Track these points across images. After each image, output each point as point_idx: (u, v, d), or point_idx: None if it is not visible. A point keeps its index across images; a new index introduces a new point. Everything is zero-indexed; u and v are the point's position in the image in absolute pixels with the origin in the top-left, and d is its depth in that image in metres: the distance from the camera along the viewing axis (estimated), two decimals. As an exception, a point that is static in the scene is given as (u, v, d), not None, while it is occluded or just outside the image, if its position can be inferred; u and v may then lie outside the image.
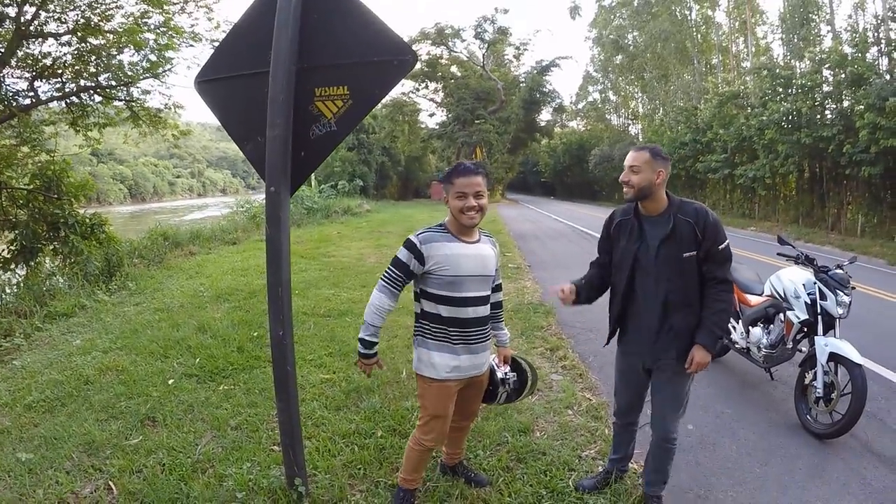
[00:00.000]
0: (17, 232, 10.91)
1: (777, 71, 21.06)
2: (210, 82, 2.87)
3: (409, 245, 2.55)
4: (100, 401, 4.32)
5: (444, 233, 2.60)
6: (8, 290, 8.99)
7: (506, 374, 2.96)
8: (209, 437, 3.74)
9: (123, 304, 7.54)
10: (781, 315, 4.41)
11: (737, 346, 4.83)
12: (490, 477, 3.22)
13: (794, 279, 4.31)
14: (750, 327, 4.65)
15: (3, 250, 11.17)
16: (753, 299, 4.77)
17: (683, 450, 3.66)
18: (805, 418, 3.95)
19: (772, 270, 4.76)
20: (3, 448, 3.67)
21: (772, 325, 4.54)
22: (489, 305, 2.74)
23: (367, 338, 2.64)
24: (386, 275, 2.59)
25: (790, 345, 4.34)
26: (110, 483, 3.23)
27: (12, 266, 10.97)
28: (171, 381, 4.69)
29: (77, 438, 3.73)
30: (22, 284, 9.24)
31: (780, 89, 20.53)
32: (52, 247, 11.00)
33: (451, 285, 2.56)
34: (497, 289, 2.89)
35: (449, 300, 2.59)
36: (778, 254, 4.80)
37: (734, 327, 4.89)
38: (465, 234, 2.62)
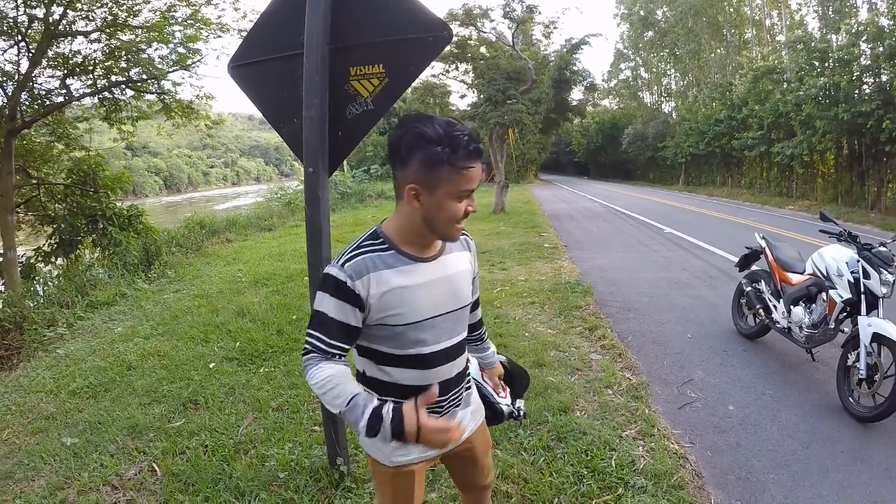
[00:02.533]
0: (56, 226, 11.25)
1: (813, 45, 20.38)
2: (244, 66, 2.88)
3: (335, 286, 1.46)
4: (142, 385, 4.43)
5: (385, 250, 1.51)
6: (50, 283, 9.27)
7: (513, 403, 2.10)
8: (251, 419, 3.80)
9: (163, 292, 7.71)
10: (824, 294, 4.28)
11: (778, 325, 4.72)
12: (531, 456, 3.21)
13: (836, 257, 4.17)
14: (791, 306, 4.53)
15: (44, 244, 11.52)
16: (795, 278, 4.65)
17: (724, 431, 3.62)
18: (847, 401, 3.82)
19: (811, 250, 4.62)
20: (49, 433, 3.79)
21: (814, 305, 4.42)
22: (465, 347, 1.77)
23: (364, 420, 1.39)
24: (309, 345, 1.50)
25: (832, 325, 4.20)
26: (154, 465, 3.31)
27: (53, 259, 11.31)
28: (212, 365, 4.78)
29: (121, 422, 3.82)
30: (63, 276, 9.50)
31: (817, 63, 19.86)
32: (91, 239, 11.34)
33: (404, 338, 1.54)
34: (476, 301, 1.90)
35: (404, 360, 1.58)
36: (820, 230, 4.67)
37: (775, 306, 4.78)
38: (424, 248, 1.57)
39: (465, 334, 1.71)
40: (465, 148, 1.39)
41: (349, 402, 1.40)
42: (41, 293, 8.26)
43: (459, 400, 1.75)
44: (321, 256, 2.61)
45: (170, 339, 5.50)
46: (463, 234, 1.72)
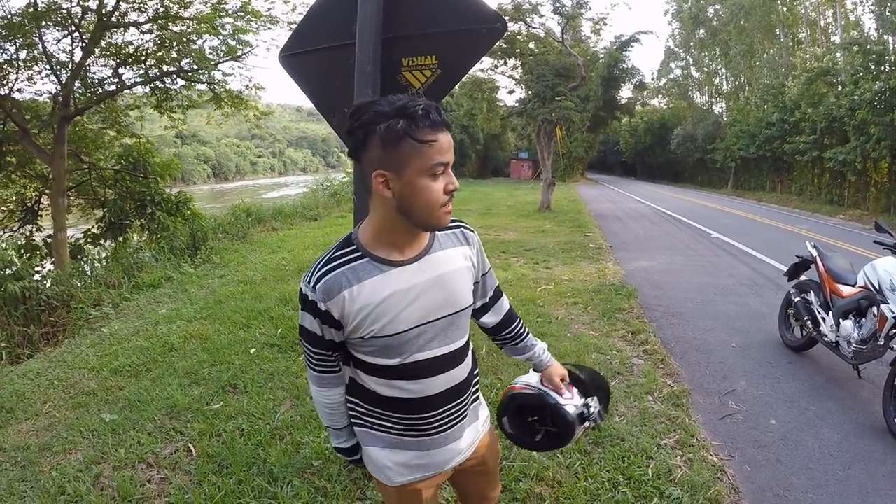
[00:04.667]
0: (105, 209, 11.62)
1: (868, 46, 19.62)
2: (295, 56, 2.90)
3: (307, 303, 1.39)
4: (183, 367, 4.51)
5: (358, 259, 1.38)
6: (97, 264, 9.57)
7: (584, 403, 1.77)
8: (288, 406, 3.83)
9: (208, 277, 7.87)
10: (874, 308, 4.08)
11: (825, 339, 4.54)
12: (567, 460, 3.16)
13: (890, 270, 3.97)
14: (840, 320, 4.34)
15: (94, 226, 11.92)
16: (846, 290, 4.46)
17: (764, 445, 3.51)
18: (892, 422, 3.65)
19: (864, 262, 4.44)
20: (88, 409, 3.89)
21: (863, 319, 4.22)
22: (471, 357, 1.60)
23: (340, 445, 1.61)
24: (306, 355, 1.50)
25: (882, 341, 3.98)
26: (190, 445, 3.36)
27: (102, 241, 11.70)
28: (252, 350, 4.84)
29: (160, 402, 3.90)
30: (111, 258, 9.80)
31: (872, 66, 19.12)
32: (139, 223, 11.71)
33: (389, 350, 1.41)
34: (495, 297, 1.73)
35: (390, 372, 1.45)
36: (874, 241, 4.50)
37: (824, 319, 4.61)
38: (404, 248, 1.41)
39: (463, 341, 1.53)
40: (424, 118, 1.24)
41: (340, 430, 1.60)
42: (89, 273, 8.52)
43: (465, 414, 1.58)
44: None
45: (212, 323, 5.60)
46: (462, 227, 1.56)
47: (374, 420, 1.52)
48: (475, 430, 1.65)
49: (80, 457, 3.27)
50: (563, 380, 1.80)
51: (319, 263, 1.39)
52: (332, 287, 1.35)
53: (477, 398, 1.67)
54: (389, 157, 1.27)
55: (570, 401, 1.74)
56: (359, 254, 1.38)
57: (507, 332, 1.77)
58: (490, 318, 1.73)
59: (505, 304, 1.76)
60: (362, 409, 1.53)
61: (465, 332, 1.55)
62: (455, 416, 1.54)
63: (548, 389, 1.76)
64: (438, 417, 1.50)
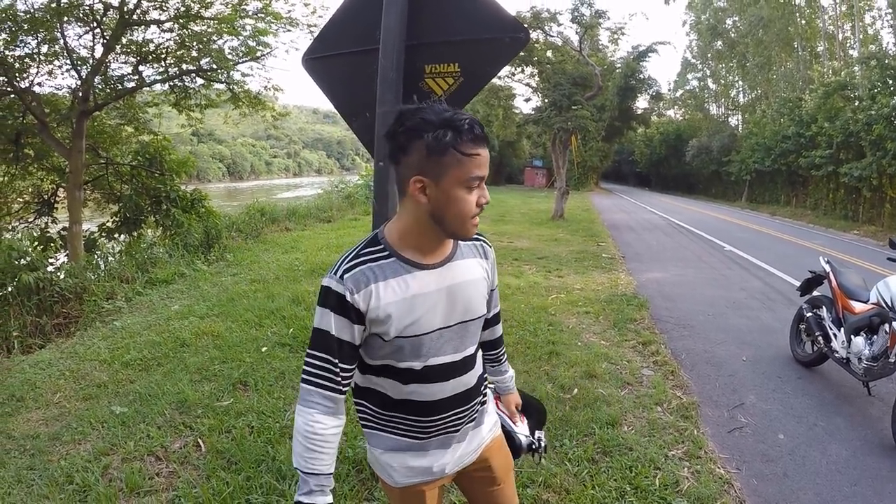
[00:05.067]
0: (121, 204, 11.73)
1: (886, 61, 19.47)
2: (318, 59, 2.93)
3: (332, 298, 1.36)
4: (194, 363, 4.55)
5: (385, 258, 1.39)
6: (111, 258, 9.66)
7: (533, 434, 1.90)
8: (298, 405, 3.86)
9: (221, 274, 7.93)
10: (887, 325, 4.06)
11: (836, 355, 4.51)
12: (574, 468, 3.17)
13: None
14: (852, 336, 4.31)
15: (109, 221, 12.04)
16: (858, 306, 4.43)
17: (771, 459, 3.50)
18: None
19: (877, 279, 4.41)
20: (99, 401, 3.95)
21: (875, 336, 4.19)
22: (480, 363, 1.64)
23: (304, 500, 1.36)
24: (309, 371, 1.39)
25: (893, 359, 3.96)
26: (199, 440, 3.40)
27: (117, 235, 11.82)
28: (263, 349, 4.88)
29: (170, 397, 3.94)
30: (125, 252, 9.89)
31: (890, 81, 18.97)
32: (153, 219, 11.82)
33: (403, 351, 1.42)
34: (495, 317, 1.80)
35: (403, 374, 1.45)
36: (888, 258, 4.49)
37: (835, 335, 4.58)
38: (429, 253, 1.44)
39: (474, 348, 1.56)
40: (469, 131, 1.28)
41: (308, 475, 1.37)
42: (102, 267, 8.59)
43: (472, 418, 1.61)
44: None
45: (224, 320, 5.65)
46: (482, 241, 1.60)
47: (382, 422, 1.52)
48: (480, 435, 1.66)
49: (90, 447, 3.32)
50: (517, 406, 1.92)
51: (346, 258, 1.40)
52: (361, 280, 1.35)
53: (485, 402, 1.68)
54: (431, 164, 1.30)
55: (522, 431, 1.87)
56: (386, 253, 1.40)
57: (493, 352, 1.85)
58: (485, 335, 1.76)
59: (500, 325, 1.84)
60: (371, 412, 1.53)
61: (476, 340, 1.58)
62: (461, 419, 1.56)
63: (504, 415, 1.87)
64: (445, 421, 1.52)
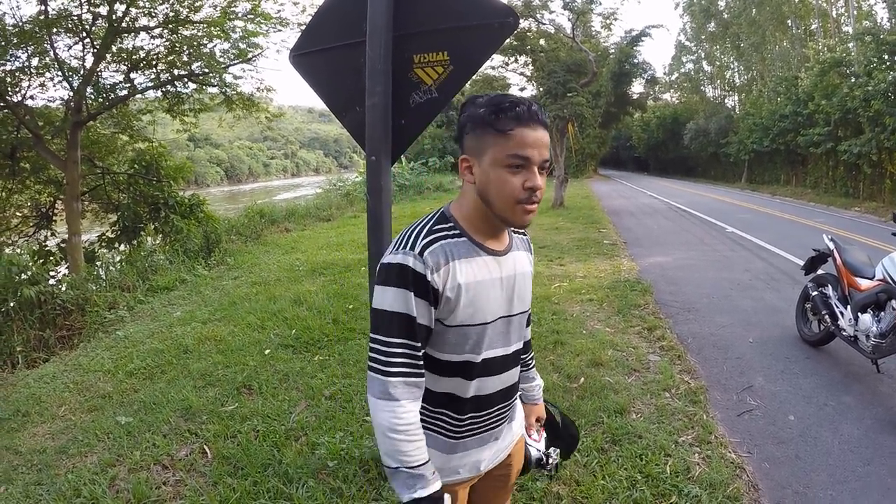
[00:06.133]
0: (119, 213, 11.71)
1: (882, 36, 19.33)
2: (305, 55, 2.88)
3: (409, 276, 1.25)
4: (198, 369, 4.54)
5: (457, 237, 1.33)
6: (112, 268, 9.65)
7: (546, 451, 1.79)
8: (303, 406, 3.84)
9: (222, 278, 7.93)
10: (893, 301, 4.03)
11: (844, 333, 4.48)
12: (584, 458, 3.14)
13: None
14: (859, 314, 4.28)
15: (108, 230, 12.03)
16: (864, 283, 4.40)
17: (783, 442, 3.47)
18: None
19: (881, 255, 4.38)
20: (104, 412, 3.93)
21: (882, 313, 4.16)
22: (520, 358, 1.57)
23: (422, 494, 1.25)
24: (384, 360, 1.27)
25: None
26: (205, 447, 3.38)
27: (116, 245, 11.80)
28: (267, 352, 4.86)
29: (175, 404, 3.92)
30: (125, 261, 9.88)
31: (886, 56, 18.84)
32: (153, 226, 11.79)
33: (462, 341, 1.34)
34: (529, 317, 1.66)
35: (454, 368, 1.37)
36: (893, 234, 4.46)
37: (842, 313, 4.54)
38: (491, 238, 1.38)
39: (521, 343, 1.51)
40: (509, 109, 1.24)
41: (418, 467, 1.25)
42: (104, 277, 8.58)
43: (511, 416, 1.57)
44: (382, 246, 2.59)
45: (227, 324, 5.63)
46: (523, 235, 1.55)
47: (427, 420, 1.41)
48: (512, 432, 1.61)
49: (96, 459, 3.30)
50: (538, 420, 1.81)
51: (419, 234, 1.30)
52: (440, 257, 1.27)
53: (517, 398, 1.63)
54: (473, 143, 1.30)
55: (536, 444, 1.77)
56: (457, 231, 1.33)
57: (523, 355, 1.72)
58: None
59: (529, 329, 1.74)
60: None
61: (522, 335, 1.52)
62: (503, 416, 1.51)
63: (524, 434, 1.76)
64: (488, 418, 1.46)
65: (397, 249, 1.28)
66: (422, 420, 1.37)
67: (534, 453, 1.74)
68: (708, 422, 3.58)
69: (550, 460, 1.77)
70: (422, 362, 1.31)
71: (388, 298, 1.26)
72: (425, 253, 1.26)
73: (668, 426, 3.53)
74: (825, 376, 4.44)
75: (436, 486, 1.26)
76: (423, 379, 1.32)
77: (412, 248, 1.26)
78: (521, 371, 1.69)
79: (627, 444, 3.28)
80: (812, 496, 2.94)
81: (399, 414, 1.25)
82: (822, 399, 4.04)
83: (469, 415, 1.42)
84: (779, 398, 4.06)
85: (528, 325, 1.69)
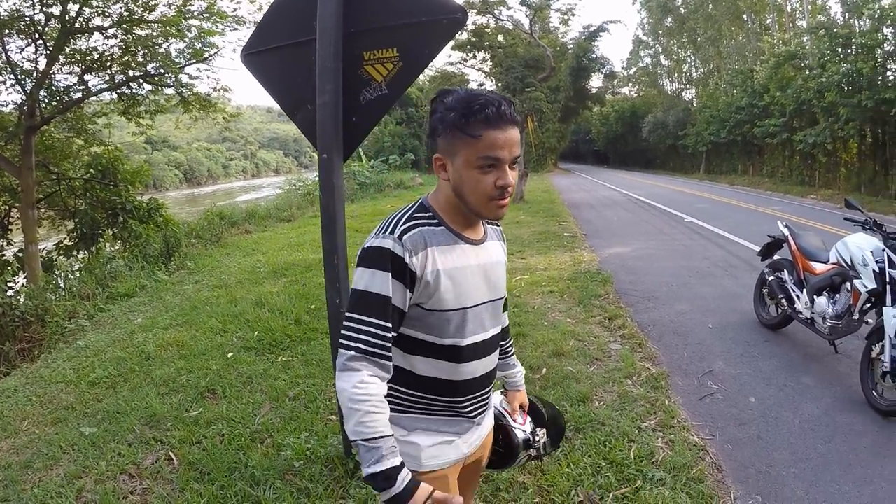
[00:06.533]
0: (76, 220, 11.42)
1: (835, 30, 19.95)
2: (257, 54, 2.86)
3: (387, 259, 1.30)
4: (161, 375, 4.45)
5: (436, 225, 1.38)
6: (71, 275, 9.41)
7: (532, 431, 1.78)
8: (267, 408, 3.81)
9: (183, 283, 7.78)
10: (848, 284, 4.17)
11: (801, 316, 4.62)
12: (548, 447, 3.18)
13: (861, 245, 4.04)
14: (815, 296, 4.42)
15: (65, 238, 11.71)
16: (819, 267, 4.54)
17: (744, 423, 3.57)
18: (871, 394, 3.71)
19: (835, 240, 4.52)
20: (68, 423, 3.83)
21: (837, 295, 4.30)
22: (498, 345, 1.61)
23: (381, 468, 1.23)
24: (354, 337, 1.30)
25: (856, 316, 4.08)
26: (171, 454, 3.33)
27: (75, 252, 11.51)
28: (230, 355, 4.80)
29: (139, 412, 3.85)
30: (84, 269, 9.64)
31: (839, 49, 19.45)
32: (111, 232, 11.54)
33: (443, 326, 1.39)
34: (505, 304, 1.68)
35: (436, 351, 1.42)
36: (845, 218, 4.59)
37: (798, 296, 4.69)
38: (471, 228, 1.45)
39: (499, 328, 1.56)
40: (478, 112, 1.27)
41: (375, 440, 1.24)
42: (62, 286, 8.35)
43: (488, 400, 1.60)
44: (336, 243, 2.60)
45: (189, 329, 5.54)
46: (496, 226, 1.60)
47: (414, 403, 1.46)
48: (488, 419, 1.64)
49: (62, 472, 3.23)
50: (521, 406, 1.83)
51: (399, 220, 1.36)
52: (419, 242, 1.32)
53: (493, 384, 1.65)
54: (445, 144, 1.34)
55: (521, 426, 1.77)
56: (436, 221, 1.39)
57: (503, 342, 1.75)
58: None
59: (506, 315, 1.78)
60: (401, 392, 1.45)
61: (499, 321, 1.56)
62: (483, 401, 1.55)
63: (504, 411, 1.78)
64: (470, 402, 1.50)
65: (378, 234, 1.34)
66: (405, 404, 1.44)
67: (520, 435, 1.74)
68: (670, 407, 3.65)
69: (537, 438, 1.78)
70: (389, 344, 1.33)
71: (366, 279, 1.31)
72: (405, 237, 1.31)
73: (630, 412, 3.58)
74: (784, 358, 4.57)
75: (391, 462, 1.25)
76: (390, 362, 1.34)
77: (392, 233, 1.32)
78: (502, 358, 1.74)
79: (591, 432, 3.33)
80: (775, 475, 3.02)
81: (357, 384, 1.26)
82: (781, 380, 4.16)
83: (456, 398, 1.47)
84: (739, 381, 4.16)
85: (504, 311, 1.73)
